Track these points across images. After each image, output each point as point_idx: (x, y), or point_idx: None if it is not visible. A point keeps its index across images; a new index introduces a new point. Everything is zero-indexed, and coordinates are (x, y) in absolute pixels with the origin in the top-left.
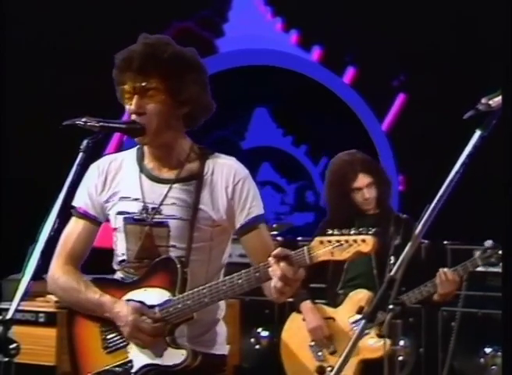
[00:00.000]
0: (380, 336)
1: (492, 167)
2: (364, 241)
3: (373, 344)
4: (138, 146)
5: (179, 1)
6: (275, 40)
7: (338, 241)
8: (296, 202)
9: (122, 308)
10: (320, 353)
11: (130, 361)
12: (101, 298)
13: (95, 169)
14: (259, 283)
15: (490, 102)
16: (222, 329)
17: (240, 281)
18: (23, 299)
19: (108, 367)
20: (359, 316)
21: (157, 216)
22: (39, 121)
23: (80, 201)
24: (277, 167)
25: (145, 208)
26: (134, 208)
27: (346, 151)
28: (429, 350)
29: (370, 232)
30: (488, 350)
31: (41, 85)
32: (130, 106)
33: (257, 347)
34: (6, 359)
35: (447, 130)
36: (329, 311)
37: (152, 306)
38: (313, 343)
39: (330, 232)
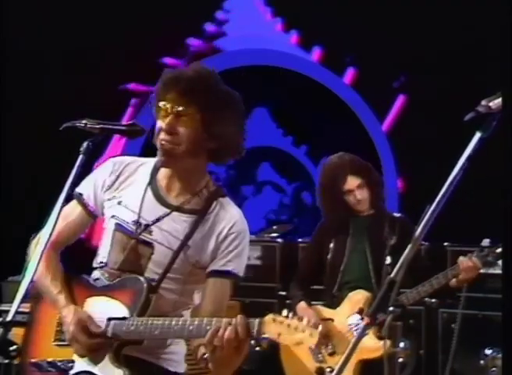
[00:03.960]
0: (380, 338)
1: (492, 169)
2: (311, 335)
3: (371, 345)
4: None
5: (181, 2)
6: (275, 40)
7: (288, 325)
8: (295, 203)
9: (68, 313)
10: (319, 354)
11: (72, 361)
12: (57, 295)
13: (110, 166)
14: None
15: (490, 104)
16: (180, 348)
17: (190, 328)
18: (23, 301)
19: (51, 359)
20: (357, 317)
21: (146, 235)
22: (39, 123)
23: (83, 188)
24: (277, 167)
25: (138, 223)
26: (128, 217)
27: (336, 154)
28: (429, 352)
29: (319, 328)
30: (488, 352)
31: (42, 86)
32: (162, 123)
33: (258, 349)
34: (6, 361)
35: (447, 131)
36: (328, 312)
37: (109, 319)
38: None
39: (285, 314)
